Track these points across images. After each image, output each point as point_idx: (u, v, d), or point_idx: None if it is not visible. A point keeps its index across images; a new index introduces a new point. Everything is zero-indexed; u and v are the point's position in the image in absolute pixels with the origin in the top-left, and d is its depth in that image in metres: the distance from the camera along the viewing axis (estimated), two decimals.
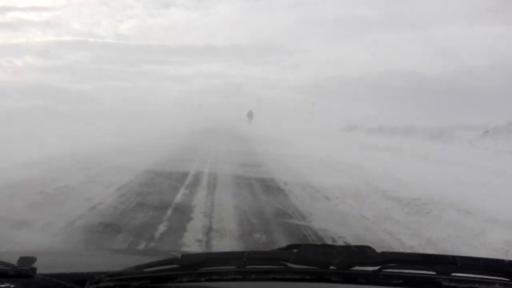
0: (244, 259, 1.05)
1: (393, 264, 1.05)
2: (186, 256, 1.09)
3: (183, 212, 5.03)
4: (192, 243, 3.90)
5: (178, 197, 5.95)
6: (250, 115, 74.01)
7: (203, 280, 1.03)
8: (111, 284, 1.02)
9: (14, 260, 1.08)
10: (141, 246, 3.78)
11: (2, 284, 1.02)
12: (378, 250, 1.04)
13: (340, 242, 4.13)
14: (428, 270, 1.05)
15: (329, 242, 4.13)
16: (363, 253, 1.04)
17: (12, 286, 1.00)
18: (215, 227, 4.52)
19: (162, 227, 4.32)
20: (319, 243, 2.50)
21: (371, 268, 1.05)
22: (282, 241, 4.11)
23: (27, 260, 1.07)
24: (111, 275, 1.04)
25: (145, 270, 1.06)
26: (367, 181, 7.68)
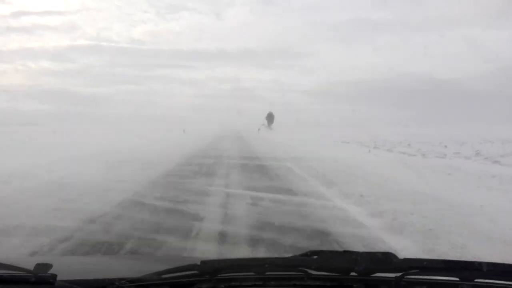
0: (264, 266, 1.03)
1: (415, 271, 1.01)
2: (206, 262, 1.04)
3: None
4: None
5: None
6: (270, 118, 65.69)
7: (223, 286, 1.01)
8: None
9: (30, 266, 1.09)
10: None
11: None
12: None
13: None
14: (451, 276, 1.01)
15: None
16: (385, 259, 1.01)
17: None
18: None
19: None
20: (340, 250, 1.28)
21: (393, 275, 1.01)
22: None
23: (44, 267, 1.08)
24: (130, 281, 1.02)
25: (165, 276, 1.04)
26: None
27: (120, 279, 1.05)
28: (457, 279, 1.01)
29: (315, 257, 1.03)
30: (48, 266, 1.09)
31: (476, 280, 1.01)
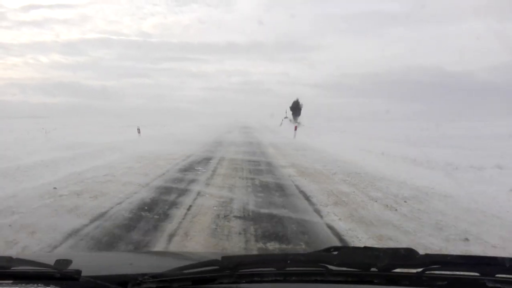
0: (285, 261, 1.04)
1: (436, 266, 1.01)
2: (226, 258, 1.05)
3: None
4: None
5: None
6: (296, 109, 50.01)
7: (244, 281, 1.01)
8: (153, 285, 1.01)
9: (49, 262, 1.11)
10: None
11: (48, 286, 1.02)
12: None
13: None
14: (472, 272, 1.00)
15: None
16: (406, 255, 1.01)
17: None
18: None
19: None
20: (360, 246, 1.80)
21: (414, 270, 1.01)
22: None
23: (64, 262, 1.11)
24: (153, 277, 1.03)
25: (186, 271, 1.05)
26: None
27: (143, 275, 1.04)
28: (478, 274, 0.98)
29: (335, 252, 1.03)
30: (68, 262, 1.11)
31: (497, 275, 0.99)
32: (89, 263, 1.57)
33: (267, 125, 50.30)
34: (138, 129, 19.84)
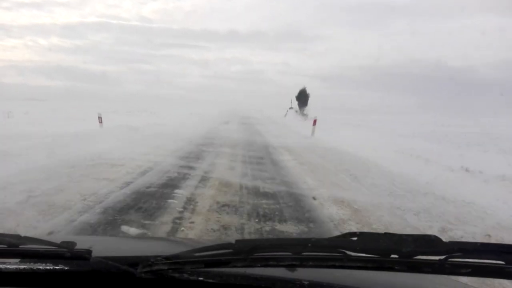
0: (301, 246, 1.01)
1: (459, 254, 0.96)
2: (241, 241, 1.03)
3: None
4: None
5: None
6: (302, 99, 44.52)
7: (259, 265, 0.98)
8: (165, 267, 0.99)
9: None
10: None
11: (57, 265, 1.01)
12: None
13: None
14: (497, 260, 0.96)
15: None
16: (429, 242, 0.98)
17: (66, 268, 1.01)
18: None
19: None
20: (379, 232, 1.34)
21: (436, 258, 0.96)
22: None
23: (70, 244, 1.06)
24: (166, 258, 1.01)
25: (199, 254, 1.03)
26: None
27: (155, 256, 1.01)
28: (503, 262, 0.94)
29: (354, 238, 1.00)
30: (73, 243, 1.07)
31: None
32: (99, 245, 1.42)
33: (269, 115, 45.09)
34: (100, 117, 14.74)
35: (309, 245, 1.00)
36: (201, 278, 1.00)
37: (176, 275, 1.00)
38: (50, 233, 3.62)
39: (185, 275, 1.00)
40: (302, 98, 42.92)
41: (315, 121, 16.41)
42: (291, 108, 45.98)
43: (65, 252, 1.03)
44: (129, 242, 2.09)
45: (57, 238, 1.16)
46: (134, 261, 1.02)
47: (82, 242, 1.12)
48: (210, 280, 1.00)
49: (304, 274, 1.07)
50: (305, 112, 42.13)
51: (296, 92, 44.60)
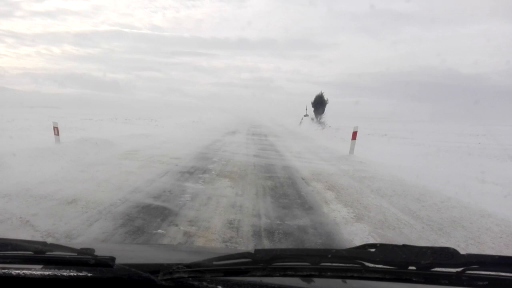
0: (319, 257, 1.01)
1: (476, 266, 0.96)
2: (260, 251, 1.03)
3: None
4: None
5: None
6: (319, 105, 39.33)
7: (278, 275, 0.99)
8: (186, 275, 1.01)
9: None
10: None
11: (81, 272, 1.02)
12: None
13: None
14: None
15: None
16: (446, 254, 0.98)
17: (89, 274, 1.02)
18: None
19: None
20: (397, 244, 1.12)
21: (453, 270, 0.97)
22: None
23: (89, 251, 1.10)
24: (187, 266, 1.03)
25: (219, 263, 1.04)
26: None
27: (177, 264, 1.04)
28: None
29: (372, 250, 1.01)
30: (91, 250, 1.11)
31: None
32: (120, 252, 1.51)
33: (282, 123, 40.58)
34: (55, 128, 10.38)
35: (328, 256, 1.00)
36: (220, 287, 1.00)
37: (196, 283, 1.01)
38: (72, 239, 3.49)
39: (204, 283, 1.01)
40: (319, 104, 38.20)
41: (354, 134, 11.81)
42: (306, 115, 41.31)
43: (89, 259, 1.05)
44: (150, 249, 2.17)
45: (78, 244, 1.20)
46: (155, 269, 1.04)
47: (103, 249, 1.21)
48: None
49: (322, 284, 1.08)
50: (321, 119, 37.50)
51: (308, 99, 40.16)
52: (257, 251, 1.02)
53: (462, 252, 0.95)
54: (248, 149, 12.91)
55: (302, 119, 39.80)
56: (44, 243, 1.11)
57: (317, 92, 38.77)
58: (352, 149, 11.50)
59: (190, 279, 1.00)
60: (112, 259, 1.05)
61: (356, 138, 11.76)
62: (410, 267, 0.96)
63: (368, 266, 0.97)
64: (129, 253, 1.59)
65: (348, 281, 1.06)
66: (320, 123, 36.10)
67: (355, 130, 11.76)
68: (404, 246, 1.01)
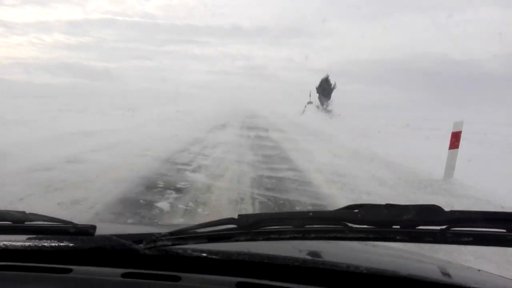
0: (303, 219, 1.00)
1: (461, 223, 0.94)
2: (243, 216, 1.00)
3: None
4: None
5: None
6: (325, 90, 31.82)
7: (261, 238, 0.98)
8: (169, 243, 1.00)
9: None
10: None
11: (62, 242, 1.02)
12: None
13: None
14: (498, 228, 0.94)
15: None
16: (430, 212, 0.95)
17: (71, 244, 1.02)
18: None
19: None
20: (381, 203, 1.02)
21: (438, 227, 0.94)
22: None
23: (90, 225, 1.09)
24: (170, 234, 1.02)
25: (201, 230, 1.02)
26: None
27: (159, 233, 1.02)
28: (504, 230, 0.92)
29: (355, 210, 0.97)
30: (94, 224, 1.09)
31: None
32: (104, 226, 1.49)
33: (282, 113, 35.38)
34: None
35: (311, 218, 0.99)
36: (205, 254, 1.00)
37: (180, 251, 1.00)
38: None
39: (189, 251, 1.00)
40: (325, 89, 32.99)
41: (456, 137, 6.43)
42: (309, 102, 35.91)
43: (69, 228, 1.04)
44: (132, 225, 2.41)
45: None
46: (138, 238, 1.03)
47: (87, 224, 1.09)
48: (214, 257, 1.00)
49: (306, 246, 1.11)
50: (328, 107, 32.33)
51: (302, 88, 35.16)
52: (240, 216, 0.98)
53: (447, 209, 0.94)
54: (240, 161, 7.73)
55: (305, 106, 34.53)
56: (23, 213, 1.09)
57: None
58: (450, 169, 6.21)
59: (174, 246, 1.00)
60: (93, 227, 1.03)
61: (458, 144, 6.39)
62: (394, 226, 0.93)
63: (351, 227, 0.94)
64: (110, 227, 1.62)
65: (332, 242, 1.07)
66: (327, 111, 31.01)
67: (457, 130, 6.45)
68: (387, 205, 0.96)
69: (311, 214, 1.01)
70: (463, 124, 6.56)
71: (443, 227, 0.94)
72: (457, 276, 1.19)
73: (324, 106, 32.16)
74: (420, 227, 0.94)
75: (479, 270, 1.27)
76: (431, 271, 1.26)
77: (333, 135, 14.07)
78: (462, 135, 6.43)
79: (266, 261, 1.01)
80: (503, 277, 1.23)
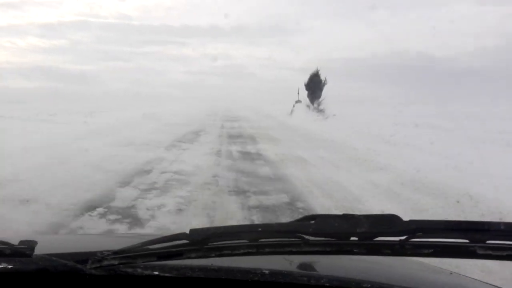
0: (257, 232, 0.94)
1: (421, 234, 0.90)
2: (194, 231, 0.94)
3: None
4: None
5: None
6: (313, 87, 24.85)
7: (214, 255, 0.92)
8: (116, 262, 0.92)
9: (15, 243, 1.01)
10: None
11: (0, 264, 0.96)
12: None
13: None
14: (460, 238, 0.89)
15: None
16: (389, 222, 0.90)
17: (9, 266, 0.95)
18: None
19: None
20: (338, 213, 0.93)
21: (397, 238, 0.91)
22: None
23: (28, 243, 0.99)
24: (115, 253, 0.94)
25: (151, 247, 0.95)
26: None
27: (103, 251, 0.94)
28: (467, 241, 0.88)
29: (312, 221, 0.93)
30: (32, 242, 0.98)
31: (488, 241, 0.88)
32: (43, 242, 1.26)
33: (267, 113, 31.40)
34: None
35: (266, 231, 0.95)
36: (156, 272, 0.95)
37: (129, 270, 0.94)
38: None
39: (139, 270, 0.94)
40: (315, 86, 29.04)
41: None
42: (298, 101, 31.85)
43: (5, 249, 0.95)
44: (76, 238, 2.03)
45: (7, 238, 1.04)
46: (82, 257, 0.96)
47: (34, 241, 1.00)
48: (167, 274, 0.95)
49: (260, 262, 1.03)
50: (319, 106, 28.39)
51: (281, 85, 31.54)
52: (192, 231, 0.92)
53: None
54: (211, 210, 3.64)
55: (293, 106, 30.48)
56: None
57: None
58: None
59: (122, 266, 0.92)
60: (31, 248, 0.94)
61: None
62: (352, 238, 0.90)
63: (307, 239, 0.90)
64: (52, 243, 1.42)
65: (288, 256, 1.02)
66: (319, 110, 27.09)
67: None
68: (344, 215, 0.92)
69: (266, 227, 0.97)
70: None
71: (402, 238, 0.89)
72: (425, 281, 1.15)
73: (315, 105, 28.24)
74: (379, 239, 0.90)
75: (451, 273, 1.23)
76: (397, 276, 1.17)
77: (350, 146, 10.01)
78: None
79: (223, 277, 0.96)
80: (476, 279, 1.19)
